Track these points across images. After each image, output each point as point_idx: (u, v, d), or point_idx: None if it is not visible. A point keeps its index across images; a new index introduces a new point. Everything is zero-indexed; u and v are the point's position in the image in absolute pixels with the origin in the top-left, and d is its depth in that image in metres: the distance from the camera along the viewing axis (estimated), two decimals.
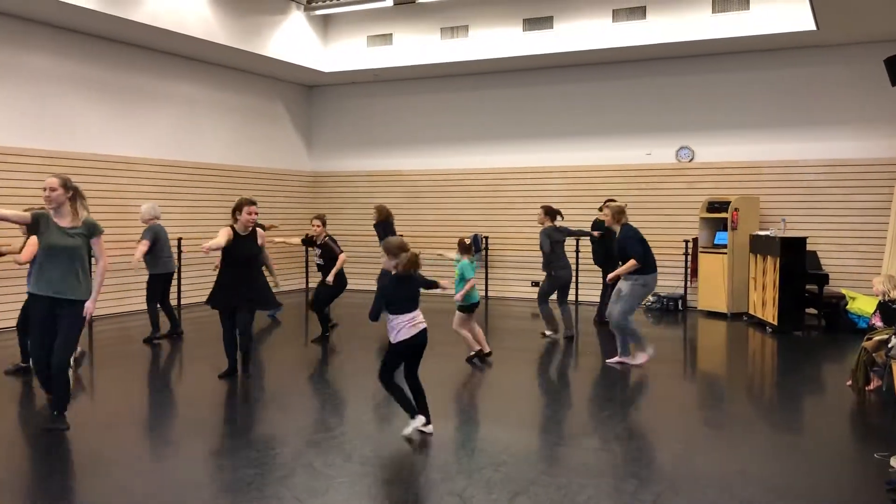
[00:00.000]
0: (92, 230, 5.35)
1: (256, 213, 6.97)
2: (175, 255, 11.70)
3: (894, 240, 9.93)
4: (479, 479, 4.50)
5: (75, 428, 5.36)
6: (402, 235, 14.46)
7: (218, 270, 7.05)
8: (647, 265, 7.58)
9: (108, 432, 5.58)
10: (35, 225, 5.19)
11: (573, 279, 10.47)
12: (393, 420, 5.88)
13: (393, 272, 5.29)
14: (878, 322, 6.78)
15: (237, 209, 6.87)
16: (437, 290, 5.73)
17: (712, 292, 11.36)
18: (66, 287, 5.21)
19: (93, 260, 5.55)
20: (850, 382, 6.65)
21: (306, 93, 15.31)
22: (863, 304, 9.82)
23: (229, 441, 5.38)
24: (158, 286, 9.11)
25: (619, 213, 7.84)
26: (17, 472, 4.74)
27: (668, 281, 12.29)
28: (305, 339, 9.77)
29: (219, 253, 6.91)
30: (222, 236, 6.72)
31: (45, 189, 5.19)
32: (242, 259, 6.89)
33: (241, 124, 13.64)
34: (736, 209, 11.16)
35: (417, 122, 14.43)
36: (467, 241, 7.99)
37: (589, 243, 11.05)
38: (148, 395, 6.90)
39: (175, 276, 11.75)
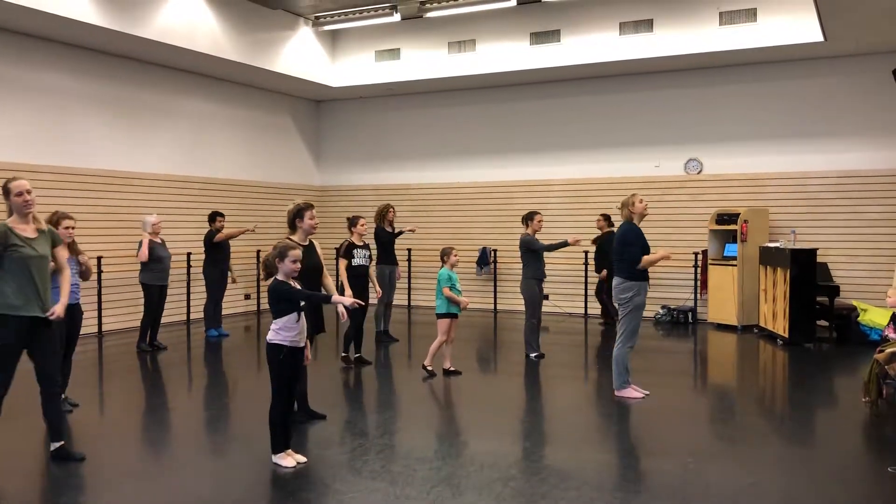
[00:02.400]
0: (55, 238, 5.16)
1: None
2: (185, 270, 11.85)
3: None
4: (488, 494, 4.48)
5: (85, 443, 5.36)
6: (410, 249, 14.54)
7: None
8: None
9: (117, 447, 5.59)
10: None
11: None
12: (403, 434, 5.87)
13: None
14: (892, 333, 6.73)
15: (297, 216, 6.05)
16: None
17: (722, 305, 11.31)
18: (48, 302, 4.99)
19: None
20: (866, 399, 6.58)
21: (314, 107, 15.39)
22: (874, 316, 9.76)
23: (238, 457, 5.38)
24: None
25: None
26: (27, 488, 4.75)
27: (678, 293, 12.27)
28: (315, 353, 9.77)
29: None
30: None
31: (28, 192, 4.90)
32: (311, 272, 5.90)
33: (249, 139, 13.72)
34: (745, 221, 11.13)
35: (425, 136, 14.48)
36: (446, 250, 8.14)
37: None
38: (157, 410, 6.90)
39: (185, 291, 11.93)
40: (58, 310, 5.04)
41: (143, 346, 9.42)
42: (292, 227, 6.09)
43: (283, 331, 4.94)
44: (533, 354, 8.92)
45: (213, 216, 10.77)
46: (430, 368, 7.99)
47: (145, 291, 9.40)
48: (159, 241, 9.47)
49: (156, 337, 9.59)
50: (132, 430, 6.14)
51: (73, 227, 6.52)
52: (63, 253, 5.31)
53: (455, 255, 8.07)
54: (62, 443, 5.15)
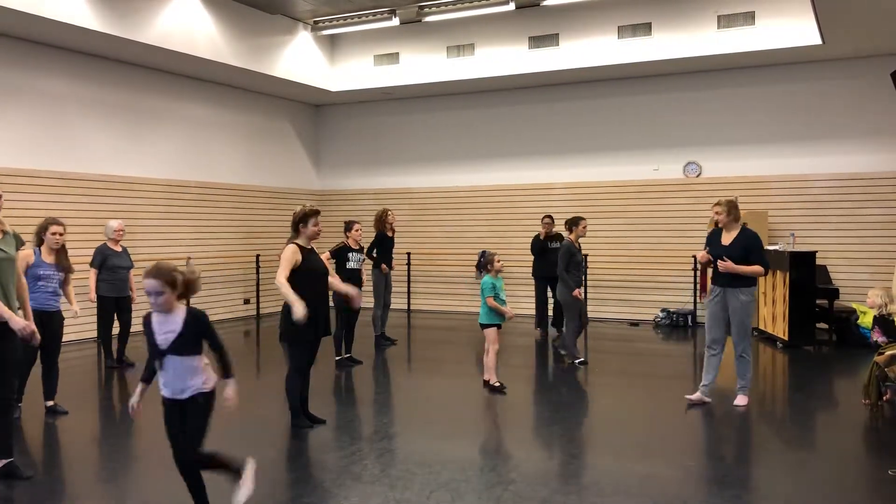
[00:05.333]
0: (18, 239, 4.86)
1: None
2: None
3: None
4: (488, 499, 4.48)
5: (76, 450, 5.34)
6: (409, 253, 14.52)
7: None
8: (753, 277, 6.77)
9: (116, 452, 5.58)
10: None
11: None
12: (402, 439, 5.86)
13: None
14: (879, 337, 6.74)
15: (302, 221, 5.89)
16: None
17: None
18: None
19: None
20: (866, 401, 6.57)
21: (314, 112, 15.40)
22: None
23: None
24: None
25: (735, 207, 7.00)
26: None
27: (678, 296, 12.27)
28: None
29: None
30: (290, 257, 5.73)
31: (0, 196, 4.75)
32: (318, 276, 5.98)
33: (249, 144, 13.73)
34: (744, 224, 11.10)
35: (424, 140, 14.50)
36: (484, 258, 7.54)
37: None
38: (150, 417, 6.89)
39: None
40: (29, 327, 4.64)
41: (108, 362, 8.63)
42: (295, 230, 5.94)
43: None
44: (577, 360, 8.70)
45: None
46: (496, 384, 7.44)
47: (98, 303, 8.51)
48: (119, 249, 8.60)
49: (123, 353, 8.70)
50: (124, 437, 6.12)
51: (61, 234, 6.33)
52: (24, 255, 4.96)
53: (499, 262, 7.47)
54: (10, 460, 4.80)
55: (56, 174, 10.33)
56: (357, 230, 8.90)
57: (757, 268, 6.67)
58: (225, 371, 4.07)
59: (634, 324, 12.20)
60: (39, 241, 6.38)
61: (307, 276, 5.78)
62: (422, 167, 14.54)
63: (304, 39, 13.11)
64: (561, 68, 12.17)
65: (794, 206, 11.66)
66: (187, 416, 3.96)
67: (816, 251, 10.09)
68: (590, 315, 12.62)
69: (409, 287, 14.17)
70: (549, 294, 11.00)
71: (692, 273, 12.05)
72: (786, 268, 9.76)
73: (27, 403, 6.48)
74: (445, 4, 11.70)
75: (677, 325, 11.91)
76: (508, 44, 12.47)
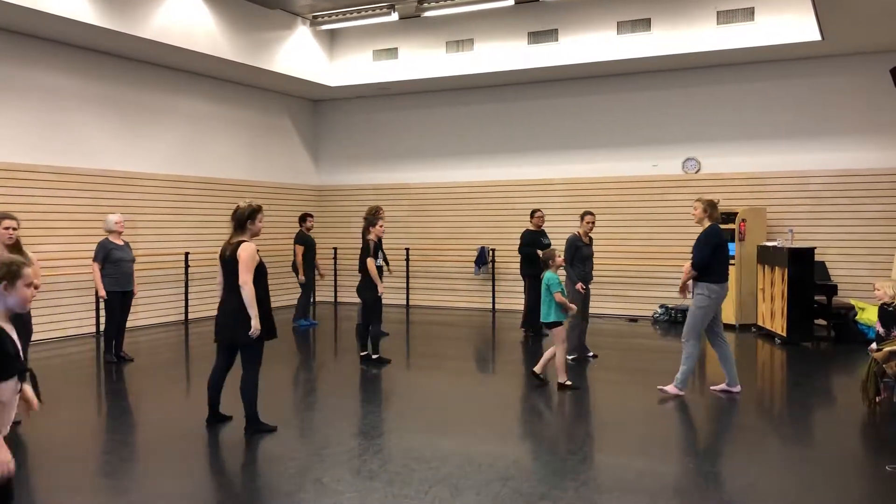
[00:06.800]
0: None
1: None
2: (183, 270, 11.85)
3: None
4: (487, 494, 4.48)
5: (83, 442, 5.32)
6: (408, 249, 14.48)
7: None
8: (713, 273, 7.02)
9: (116, 446, 5.59)
10: None
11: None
12: (401, 434, 5.86)
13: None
14: (879, 328, 6.75)
15: (250, 218, 5.72)
16: None
17: None
18: None
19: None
20: (866, 401, 6.56)
21: (312, 107, 15.38)
22: (872, 315, 9.73)
23: (236, 457, 5.37)
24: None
25: (712, 207, 7.15)
26: None
27: (676, 293, 12.25)
28: (312, 351, 9.77)
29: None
30: (253, 257, 5.59)
31: None
32: (266, 274, 5.83)
33: (247, 139, 13.71)
34: (743, 220, 11.13)
35: (423, 136, 14.48)
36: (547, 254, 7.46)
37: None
38: (152, 412, 6.90)
39: (183, 290, 11.92)
40: None
41: (108, 356, 8.55)
42: (241, 227, 5.70)
43: None
44: (571, 357, 8.61)
45: (304, 217, 11.14)
46: (568, 382, 7.28)
47: (105, 298, 8.46)
48: (121, 242, 8.52)
49: (121, 347, 8.65)
50: (127, 432, 6.13)
51: (14, 228, 6.02)
52: None
53: (559, 257, 7.42)
54: None
55: (54, 169, 10.31)
56: (381, 225, 8.80)
57: (685, 265, 7.28)
58: None
59: (633, 320, 12.21)
60: None
61: (262, 277, 5.69)
62: (421, 163, 14.52)
63: (302, 34, 13.08)
64: (560, 64, 12.15)
65: (793, 202, 11.66)
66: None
67: (815, 247, 10.10)
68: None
69: (407, 282, 14.17)
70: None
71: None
72: (784, 264, 9.76)
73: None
74: None
75: (676, 321, 11.89)
76: (507, 39, 12.45)
